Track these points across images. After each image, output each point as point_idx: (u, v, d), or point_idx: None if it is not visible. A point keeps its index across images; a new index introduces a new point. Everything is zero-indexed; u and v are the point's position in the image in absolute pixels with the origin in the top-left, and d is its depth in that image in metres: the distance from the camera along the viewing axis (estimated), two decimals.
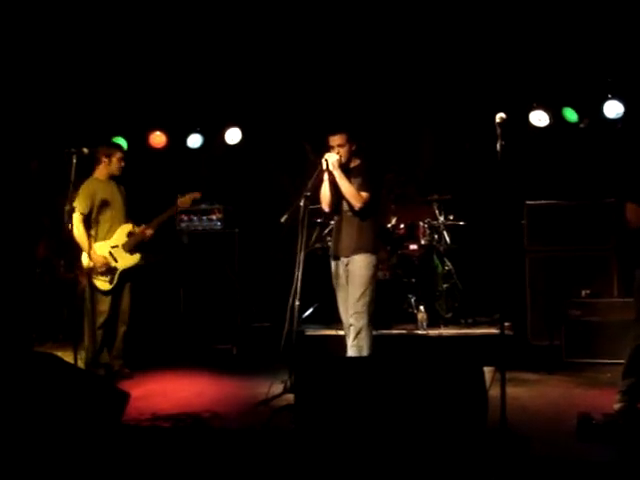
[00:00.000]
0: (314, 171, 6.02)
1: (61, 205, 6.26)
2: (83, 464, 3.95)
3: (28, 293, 8.61)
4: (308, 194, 5.93)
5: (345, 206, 6.10)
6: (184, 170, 9.25)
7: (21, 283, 8.58)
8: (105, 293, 6.60)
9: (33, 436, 3.99)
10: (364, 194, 5.96)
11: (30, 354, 5.02)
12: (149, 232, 6.74)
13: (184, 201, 6.90)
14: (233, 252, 8.18)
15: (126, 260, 6.67)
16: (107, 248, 6.62)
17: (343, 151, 6.01)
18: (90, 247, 6.54)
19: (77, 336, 6.37)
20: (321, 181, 6.09)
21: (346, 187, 5.95)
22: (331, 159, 5.94)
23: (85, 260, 6.56)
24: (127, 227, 6.73)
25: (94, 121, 8.51)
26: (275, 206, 6.33)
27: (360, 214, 6.02)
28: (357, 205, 5.96)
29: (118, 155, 6.79)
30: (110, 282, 6.60)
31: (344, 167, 6.02)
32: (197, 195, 6.98)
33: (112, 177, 6.78)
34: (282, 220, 5.97)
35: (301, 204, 5.89)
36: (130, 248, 6.69)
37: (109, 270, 6.58)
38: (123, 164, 6.80)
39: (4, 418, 4.03)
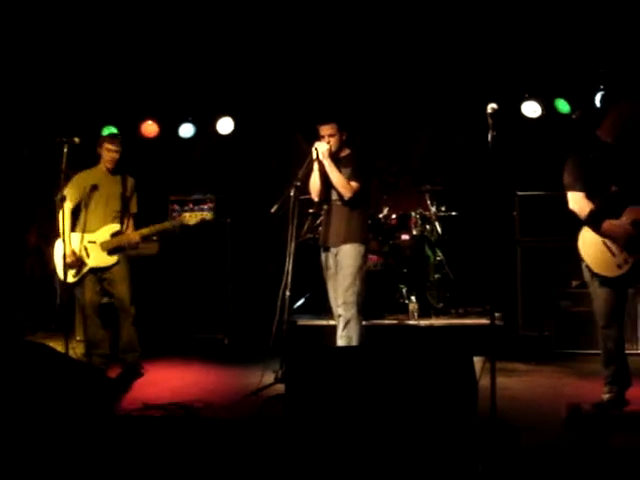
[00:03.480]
0: (305, 161, 6.00)
1: (53, 194, 6.23)
2: (72, 454, 3.95)
3: (19, 282, 8.60)
4: (298, 184, 5.93)
5: (334, 195, 6.09)
6: (176, 160, 9.25)
7: (12, 272, 8.56)
8: (70, 285, 6.35)
9: (23, 426, 3.98)
10: (354, 184, 5.96)
11: (22, 343, 4.99)
12: (135, 239, 6.37)
13: (189, 219, 6.46)
14: (225, 242, 8.16)
15: (99, 259, 6.33)
16: (84, 241, 6.33)
17: (334, 141, 6.01)
18: (64, 237, 6.18)
19: (68, 325, 6.35)
20: (311, 170, 6.07)
21: (336, 176, 5.94)
22: (321, 148, 5.93)
23: (57, 247, 6.34)
24: (114, 227, 6.38)
25: (86, 110, 8.48)
26: (267, 196, 6.32)
27: (350, 204, 6.01)
28: (347, 195, 5.95)
29: (106, 146, 6.41)
30: (74, 275, 6.31)
31: (334, 157, 6.01)
32: (207, 217, 6.61)
33: (110, 170, 6.47)
34: (272, 210, 5.96)
35: (291, 194, 5.91)
36: (109, 248, 6.34)
37: (76, 263, 6.30)
38: (114, 155, 6.41)
39: None
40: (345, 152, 6.13)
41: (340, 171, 5.97)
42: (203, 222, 6.59)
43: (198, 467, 4.14)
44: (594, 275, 5.04)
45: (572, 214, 5.13)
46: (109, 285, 6.43)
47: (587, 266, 5.08)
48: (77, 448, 3.99)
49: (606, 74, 7.90)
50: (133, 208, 6.60)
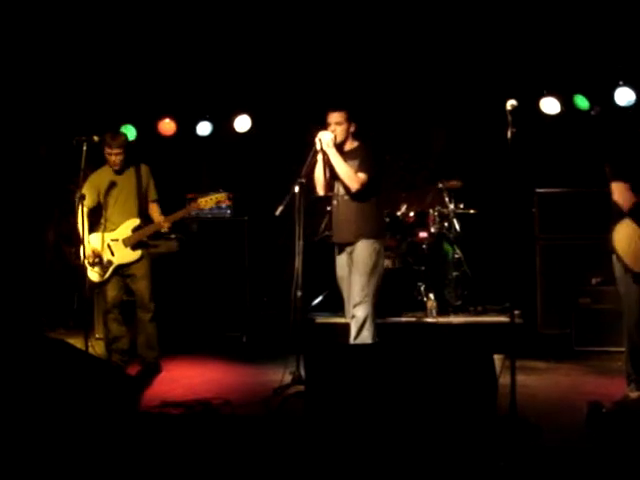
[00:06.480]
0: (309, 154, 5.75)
1: (72, 192, 6.24)
2: (91, 450, 3.96)
3: (38, 279, 8.64)
4: (302, 180, 5.69)
5: (341, 190, 5.81)
6: (193, 158, 9.26)
7: (31, 269, 8.60)
8: (96, 284, 6.43)
9: (42, 423, 4.00)
10: (362, 175, 5.63)
11: (41, 339, 5.01)
12: (166, 225, 6.38)
13: (207, 201, 6.45)
14: (242, 240, 8.15)
15: (124, 255, 6.34)
16: (106, 240, 6.34)
17: (340, 130, 5.71)
18: (84, 237, 6.16)
19: (88, 323, 6.37)
20: (315, 164, 5.81)
21: (341, 167, 5.63)
22: (325, 138, 5.62)
23: (82, 249, 6.31)
24: (134, 222, 6.36)
25: (104, 109, 8.50)
26: (285, 194, 6.29)
27: (358, 197, 5.70)
28: (354, 187, 5.64)
29: (106, 150, 6.27)
30: (101, 275, 6.34)
31: (340, 149, 5.72)
32: (222, 198, 6.53)
33: (117, 171, 6.39)
34: (277, 213, 5.71)
35: (296, 191, 5.68)
36: (132, 243, 6.33)
37: (101, 262, 6.32)
38: (114, 158, 6.26)
39: (14, 404, 4.05)
40: (353, 145, 5.84)
41: (347, 163, 5.66)
42: (219, 204, 6.67)
43: (217, 464, 4.14)
44: (627, 271, 4.97)
45: (615, 206, 5.05)
46: (131, 281, 6.46)
47: (621, 261, 4.98)
48: (96, 444, 4.00)
49: (625, 70, 7.83)
50: (152, 195, 6.54)
